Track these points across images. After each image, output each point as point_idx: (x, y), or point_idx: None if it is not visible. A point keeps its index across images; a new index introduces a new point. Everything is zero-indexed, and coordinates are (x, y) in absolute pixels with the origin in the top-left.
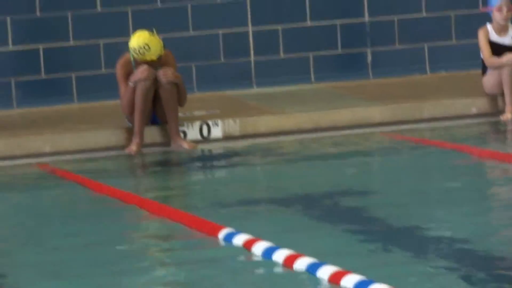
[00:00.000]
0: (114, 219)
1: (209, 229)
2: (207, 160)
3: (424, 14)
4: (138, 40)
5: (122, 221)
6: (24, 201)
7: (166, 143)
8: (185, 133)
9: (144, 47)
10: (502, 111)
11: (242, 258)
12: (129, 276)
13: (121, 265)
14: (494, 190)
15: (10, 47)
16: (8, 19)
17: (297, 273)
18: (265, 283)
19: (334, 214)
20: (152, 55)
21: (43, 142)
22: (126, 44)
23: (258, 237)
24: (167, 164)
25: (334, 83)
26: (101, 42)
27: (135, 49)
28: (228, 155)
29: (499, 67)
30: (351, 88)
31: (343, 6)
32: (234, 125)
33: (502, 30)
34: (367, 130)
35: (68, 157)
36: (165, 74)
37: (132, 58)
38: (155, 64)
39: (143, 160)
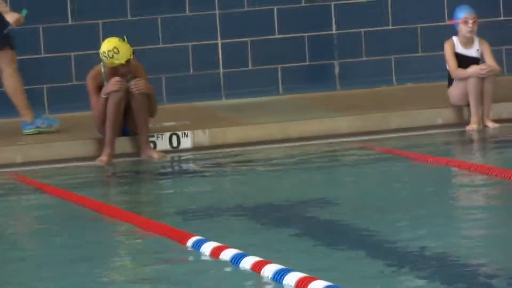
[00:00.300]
0: (83, 227)
1: (177, 237)
2: (176, 169)
3: (391, 26)
4: (108, 44)
5: (91, 229)
6: None
7: (136, 153)
8: (155, 144)
9: (113, 50)
10: (467, 122)
11: (208, 264)
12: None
13: (91, 268)
14: (457, 197)
15: None
16: None
17: (262, 277)
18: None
19: (300, 221)
20: (121, 58)
21: (15, 152)
22: (97, 55)
23: (225, 245)
24: (137, 174)
25: (302, 94)
26: (72, 54)
27: (104, 52)
28: (197, 165)
29: (464, 79)
30: (319, 99)
31: (311, 19)
32: (203, 136)
33: (467, 43)
34: (335, 140)
35: (39, 167)
36: (137, 85)
37: (102, 70)
38: (126, 73)
39: (113, 170)
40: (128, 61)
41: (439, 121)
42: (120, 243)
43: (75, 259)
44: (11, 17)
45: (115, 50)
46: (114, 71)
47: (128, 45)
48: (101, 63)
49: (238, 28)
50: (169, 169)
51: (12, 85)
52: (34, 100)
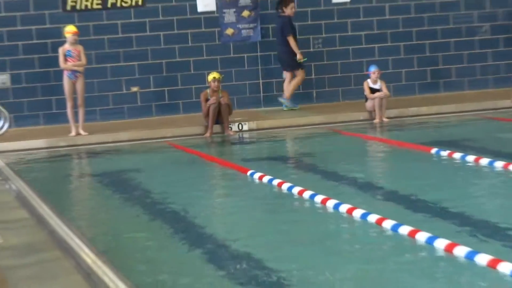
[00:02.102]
0: (198, 165)
1: (243, 170)
2: (241, 139)
3: (339, 74)
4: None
5: (202, 165)
6: (158, 158)
7: (222, 132)
8: (231, 128)
9: (213, 72)
10: (374, 118)
11: (257, 183)
12: (202, 197)
13: (202, 191)
14: (377, 156)
15: (152, 88)
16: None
17: (281, 189)
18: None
19: (300, 165)
20: (217, 75)
21: (167, 131)
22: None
23: (265, 173)
24: (223, 142)
25: (299, 105)
26: (193, 87)
27: (209, 75)
28: (250, 137)
29: (373, 99)
30: (306, 108)
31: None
32: (253, 124)
33: (375, 82)
34: (313, 127)
35: (179, 139)
36: (223, 99)
37: (208, 92)
38: (218, 95)
39: (212, 140)
40: (219, 78)
41: (361, 117)
42: (214, 172)
43: (190, 178)
44: (299, 56)
45: (210, 72)
46: (214, 92)
47: (220, 75)
48: (208, 89)
49: (272, 73)
50: (237, 140)
51: (293, 83)
52: (174, 106)
